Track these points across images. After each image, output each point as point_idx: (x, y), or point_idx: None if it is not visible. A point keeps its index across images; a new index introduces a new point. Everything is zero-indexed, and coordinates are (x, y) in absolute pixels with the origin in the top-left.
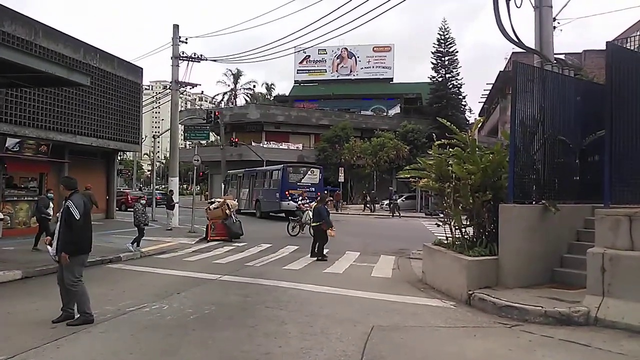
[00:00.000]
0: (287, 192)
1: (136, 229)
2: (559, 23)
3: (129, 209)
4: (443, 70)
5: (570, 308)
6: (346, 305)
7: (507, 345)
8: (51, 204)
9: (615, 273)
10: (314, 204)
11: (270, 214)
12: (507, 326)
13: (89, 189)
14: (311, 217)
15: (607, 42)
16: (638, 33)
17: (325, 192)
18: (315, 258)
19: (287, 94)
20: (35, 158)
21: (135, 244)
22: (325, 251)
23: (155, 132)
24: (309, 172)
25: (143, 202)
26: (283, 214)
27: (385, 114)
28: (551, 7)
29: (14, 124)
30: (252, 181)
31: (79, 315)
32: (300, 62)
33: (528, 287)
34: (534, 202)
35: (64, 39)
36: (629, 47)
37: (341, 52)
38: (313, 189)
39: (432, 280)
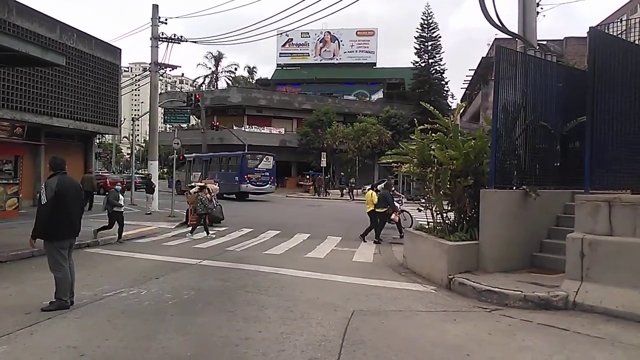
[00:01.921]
0: (245, 176)
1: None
2: (542, 8)
3: (106, 193)
4: (426, 55)
5: (549, 292)
6: (327, 290)
7: (486, 330)
8: (121, 196)
9: (594, 258)
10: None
11: (224, 195)
12: (487, 310)
13: (90, 173)
14: None
15: (589, 27)
16: (619, 19)
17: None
18: (371, 241)
19: (269, 78)
20: (9, 140)
21: (202, 230)
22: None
23: (135, 115)
24: (264, 159)
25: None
26: (234, 196)
27: (368, 98)
28: None
29: None
30: (206, 165)
31: (54, 300)
32: (283, 46)
33: (508, 272)
34: (514, 188)
35: (40, 17)
36: (611, 33)
37: (324, 35)
38: (267, 174)
39: (413, 264)
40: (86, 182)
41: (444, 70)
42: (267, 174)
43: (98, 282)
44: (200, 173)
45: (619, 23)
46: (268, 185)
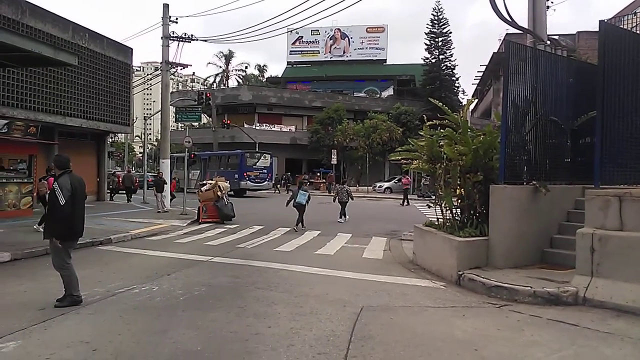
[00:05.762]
0: (245, 174)
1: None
2: (552, 2)
3: (120, 192)
4: (436, 51)
5: (559, 288)
6: (336, 286)
7: (495, 325)
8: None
9: (604, 253)
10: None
11: None
12: (496, 306)
13: (129, 172)
14: None
15: (600, 21)
16: (632, 13)
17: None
18: None
19: (279, 76)
20: (24, 140)
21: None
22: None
23: (147, 114)
24: (262, 157)
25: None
26: (232, 192)
27: (378, 95)
28: None
29: (2, 105)
30: (205, 164)
31: (66, 296)
32: (293, 43)
33: (517, 268)
34: (524, 183)
35: (52, 18)
36: (622, 27)
37: (334, 32)
38: (265, 171)
39: (423, 261)
40: (127, 180)
41: (455, 67)
42: (265, 171)
43: (111, 279)
44: (199, 171)
45: (631, 17)
46: (266, 182)
